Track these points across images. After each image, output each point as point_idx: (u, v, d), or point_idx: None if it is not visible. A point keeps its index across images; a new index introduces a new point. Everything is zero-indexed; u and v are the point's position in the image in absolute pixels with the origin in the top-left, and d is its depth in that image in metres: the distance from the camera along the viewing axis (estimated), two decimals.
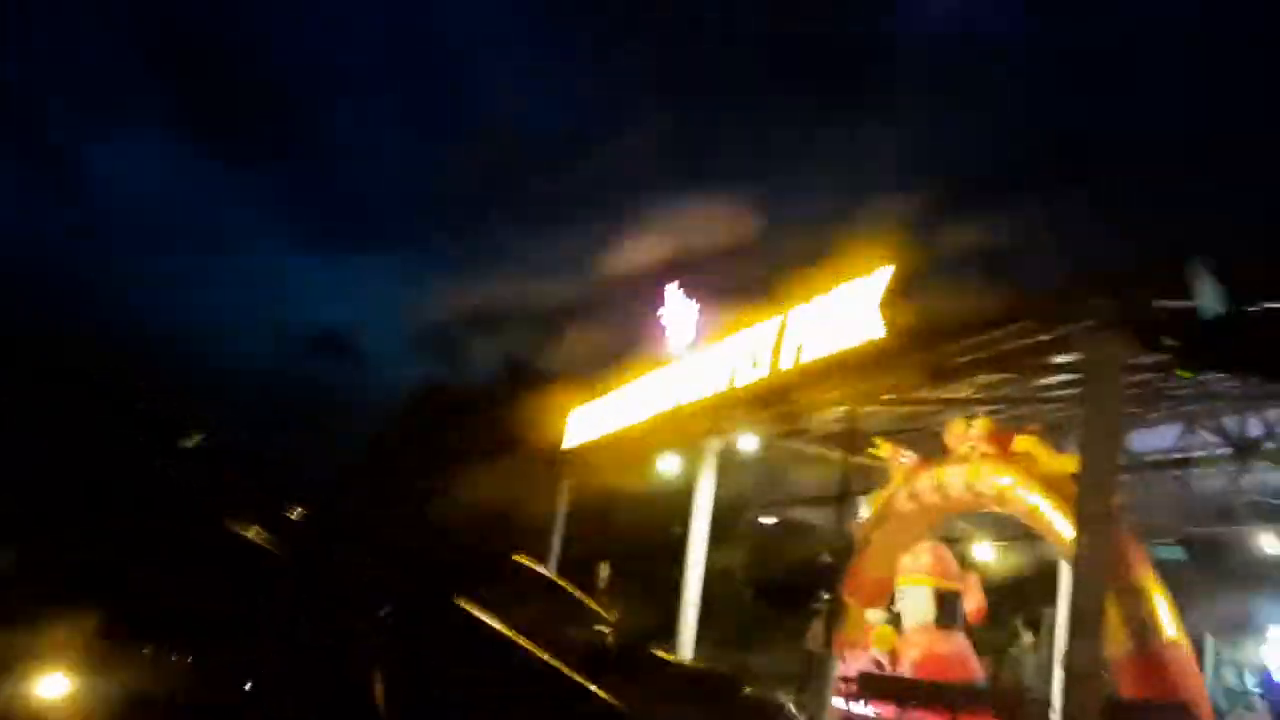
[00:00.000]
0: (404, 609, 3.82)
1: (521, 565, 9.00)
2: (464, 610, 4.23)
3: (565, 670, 4.23)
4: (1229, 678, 18.53)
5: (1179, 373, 10.07)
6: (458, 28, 77.29)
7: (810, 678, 12.71)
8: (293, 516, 5.04)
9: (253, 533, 4.19)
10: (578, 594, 8.82)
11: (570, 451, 17.59)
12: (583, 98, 72.92)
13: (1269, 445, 11.88)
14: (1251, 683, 17.40)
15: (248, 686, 3.42)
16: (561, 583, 9.28)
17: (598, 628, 8.27)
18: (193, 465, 5.15)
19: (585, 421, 17.39)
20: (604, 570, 11.92)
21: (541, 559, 16.90)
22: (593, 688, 4.26)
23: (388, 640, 3.51)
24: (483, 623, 4.25)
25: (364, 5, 75.28)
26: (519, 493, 18.00)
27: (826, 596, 12.92)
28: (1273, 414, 11.46)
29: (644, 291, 15.87)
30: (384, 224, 73.39)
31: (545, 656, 4.27)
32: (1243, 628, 17.70)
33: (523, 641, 4.28)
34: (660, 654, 8.66)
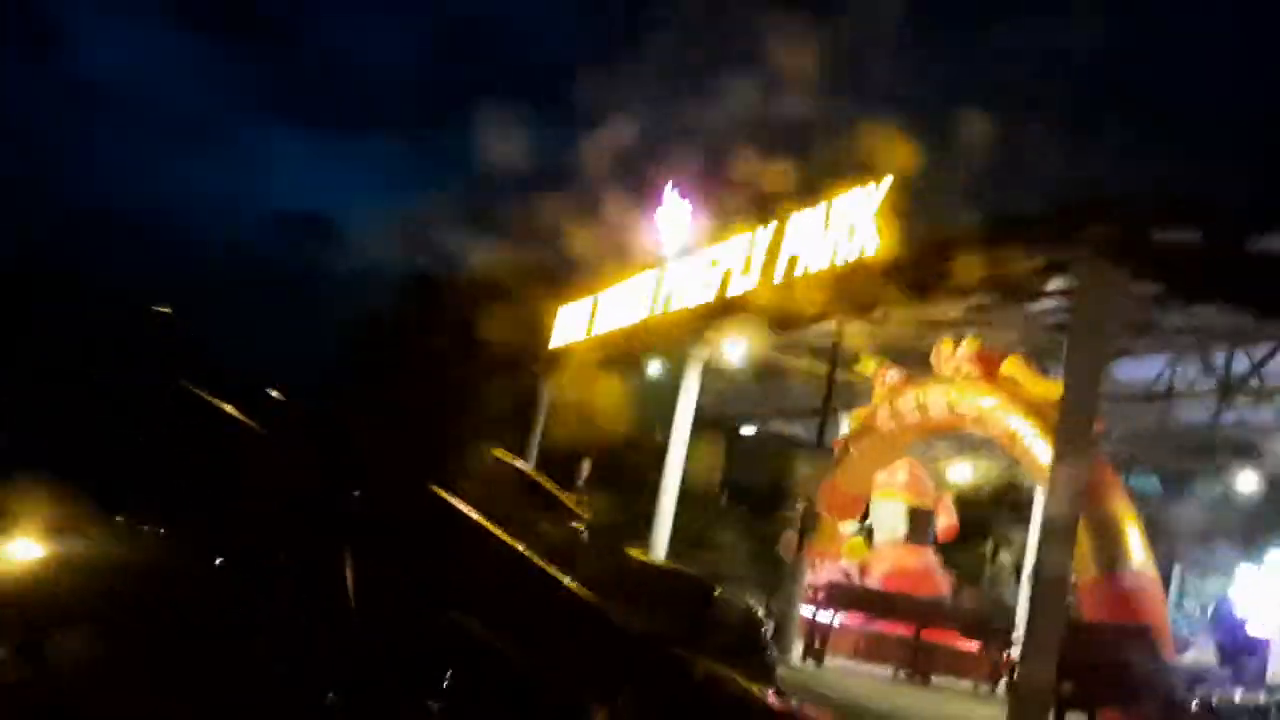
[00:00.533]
0: (378, 491, 3.77)
1: (499, 459, 9.02)
2: (439, 496, 4.19)
3: (539, 562, 4.22)
4: (1193, 608, 18.93)
5: None
6: None
7: (781, 585, 12.89)
8: (274, 395, 4.97)
9: (230, 407, 4.13)
10: (554, 490, 8.85)
11: (556, 350, 17.57)
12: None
13: (1253, 383, 11.90)
14: (1214, 612, 17.76)
15: (219, 560, 3.40)
16: (538, 478, 9.31)
17: (572, 524, 8.32)
18: (169, 336, 5.06)
19: (572, 321, 17.33)
20: (585, 466, 11.98)
21: (522, 454, 17.01)
22: (566, 580, 4.25)
23: (359, 521, 3.47)
24: (458, 510, 4.22)
25: None
26: (503, 388, 18.00)
27: (802, 506, 13.05)
28: (1260, 352, 11.45)
29: (641, 191, 15.66)
30: (377, 109, 72.01)
31: (520, 547, 4.26)
32: (1213, 562, 18.01)
33: (498, 531, 4.26)
34: (633, 553, 8.73)
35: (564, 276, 17.56)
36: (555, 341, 17.63)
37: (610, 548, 8.27)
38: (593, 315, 16.52)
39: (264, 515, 3.52)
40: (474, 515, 4.34)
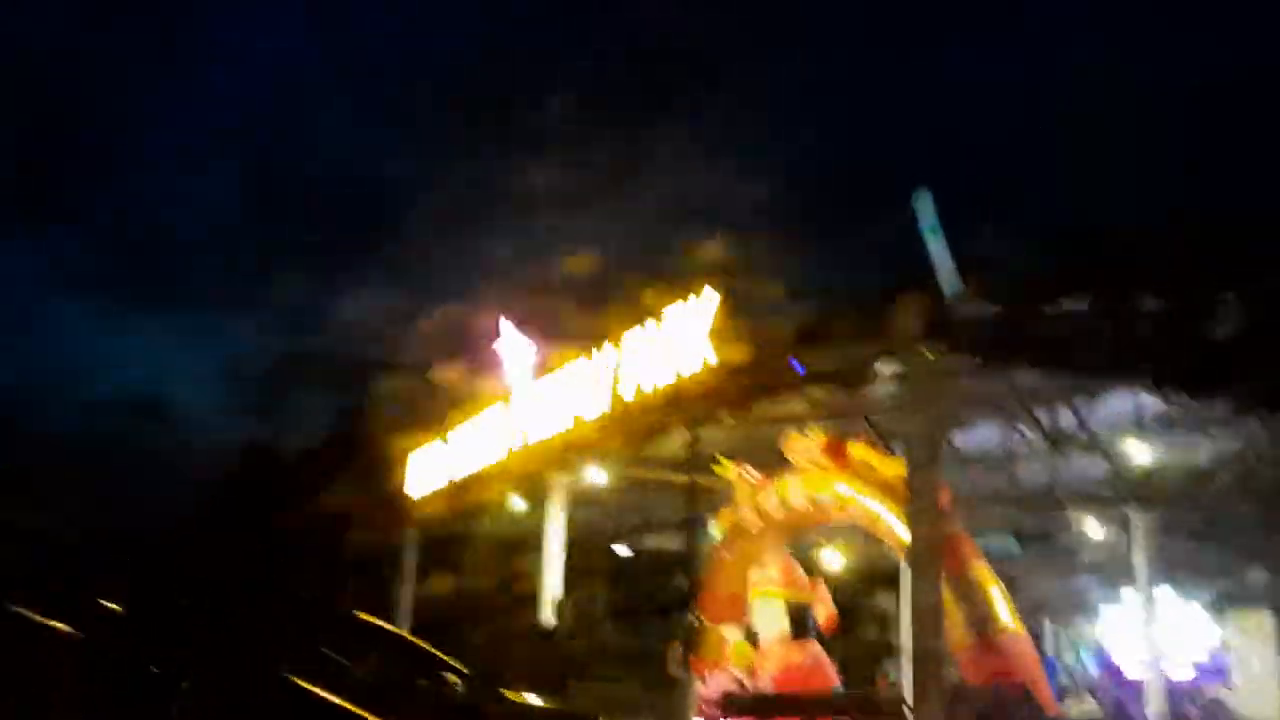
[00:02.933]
0: (213, 682, 3.68)
1: (364, 622, 8.78)
2: (287, 679, 4.09)
3: None
4: (1069, 658, 19.55)
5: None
6: (266, 76, 75.47)
7: (672, 702, 12.75)
8: (104, 602, 4.80)
9: (55, 620, 3.98)
10: (424, 645, 8.64)
11: (413, 498, 17.25)
12: (394, 139, 71.95)
13: (1081, 435, 12.57)
14: (1088, 660, 18.35)
15: None
16: (406, 636, 9.09)
17: (447, 677, 8.11)
18: None
19: (428, 467, 17.10)
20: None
21: (391, 609, 16.54)
22: None
23: (191, 714, 3.38)
24: (308, 691, 4.12)
25: (164, 47, 72.63)
26: (364, 547, 17.56)
27: (683, 619, 13.02)
28: (1080, 405, 12.14)
29: (475, 329, 15.76)
30: (192, 280, 70.47)
31: None
32: (1078, 609, 18.70)
33: (352, 708, 4.16)
34: (512, 696, 8.56)
35: (411, 424, 17.38)
36: (412, 491, 17.33)
37: (488, 696, 8.09)
38: (447, 459, 16.35)
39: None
40: (326, 696, 4.24)
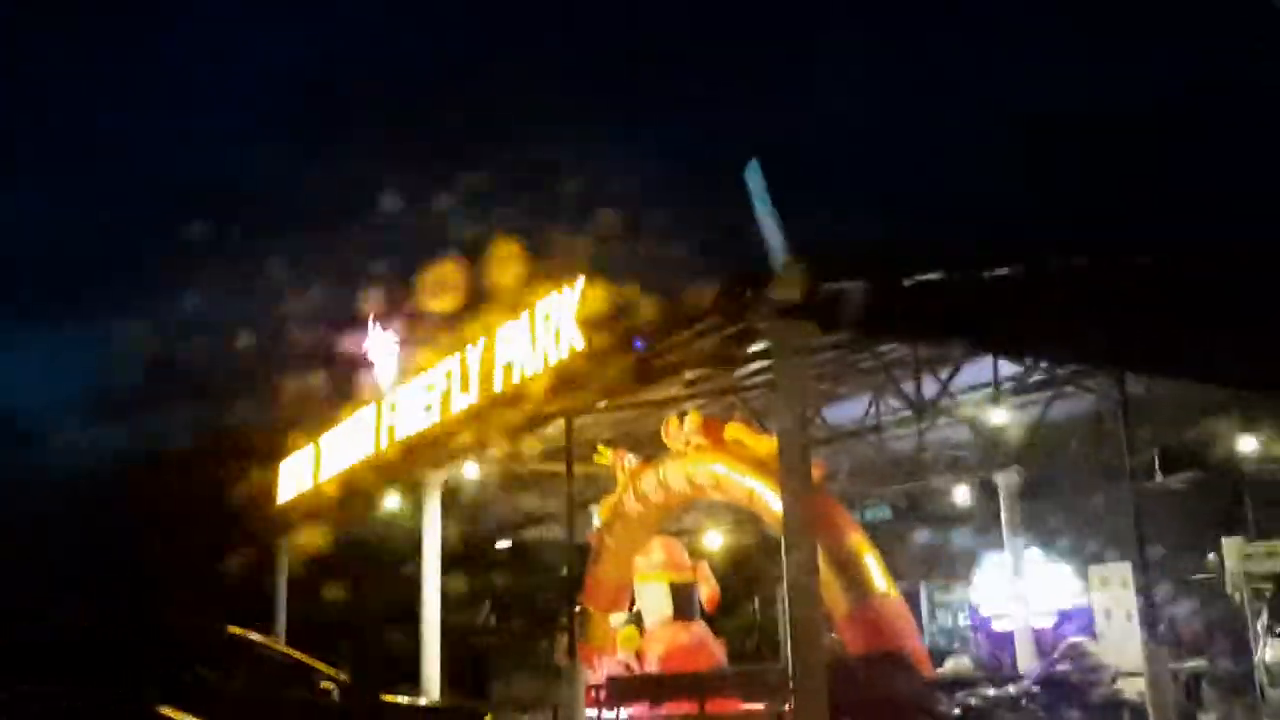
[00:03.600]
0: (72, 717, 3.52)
1: (236, 636, 8.53)
2: (152, 709, 3.94)
3: None
4: (946, 619, 20.21)
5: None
6: (102, 71, 72.00)
7: (561, 693, 12.72)
8: None
9: None
10: (298, 655, 8.43)
11: (286, 506, 16.80)
12: (249, 135, 69.57)
13: (945, 403, 12.95)
14: (963, 620, 19.01)
15: None
16: (278, 647, 8.85)
17: (323, 685, 7.93)
18: None
19: (297, 473, 16.67)
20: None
21: (268, 620, 16.09)
22: None
23: None
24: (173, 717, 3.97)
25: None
26: (234, 559, 17.02)
27: (569, 609, 12.99)
28: (943, 375, 12.49)
29: (342, 331, 15.43)
30: (36, 291, 66.82)
31: None
32: (951, 571, 19.34)
33: None
34: (391, 699, 8.41)
35: (280, 431, 16.93)
36: (283, 498, 16.87)
37: (366, 700, 7.93)
38: (317, 463, 15.96)
39: None
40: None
